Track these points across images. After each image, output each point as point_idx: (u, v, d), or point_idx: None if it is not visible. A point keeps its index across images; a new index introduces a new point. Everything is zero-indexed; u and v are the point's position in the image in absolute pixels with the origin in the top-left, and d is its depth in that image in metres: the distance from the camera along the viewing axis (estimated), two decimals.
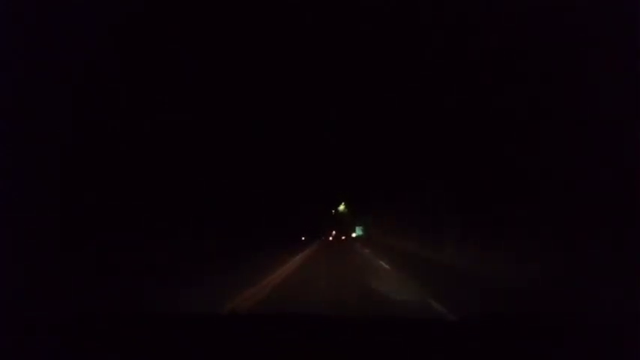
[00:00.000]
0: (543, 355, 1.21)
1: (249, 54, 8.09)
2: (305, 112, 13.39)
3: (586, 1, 4.12)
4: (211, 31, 6.88)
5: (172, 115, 7.44)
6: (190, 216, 9.05)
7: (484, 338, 1.34)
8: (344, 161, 23.38)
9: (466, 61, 6.88)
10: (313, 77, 10.25)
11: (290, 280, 7.88)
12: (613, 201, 4.04)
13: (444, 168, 10.90)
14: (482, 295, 5.33)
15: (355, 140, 17.65)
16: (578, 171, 4.70)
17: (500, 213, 7.28)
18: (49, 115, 4.67)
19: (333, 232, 44.55)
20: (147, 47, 6.10)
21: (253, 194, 14.09)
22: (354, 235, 43.10)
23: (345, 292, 6.08)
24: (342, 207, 52.56)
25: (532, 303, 4.35)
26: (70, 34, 4.62)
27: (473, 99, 7.35)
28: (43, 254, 4.28)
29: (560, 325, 1.46)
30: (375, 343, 1.32)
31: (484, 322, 1.59)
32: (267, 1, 6.63)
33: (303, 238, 27.43)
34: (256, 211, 15.02)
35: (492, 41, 5.87)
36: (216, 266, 8.68)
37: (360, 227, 41.31)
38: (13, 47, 4.06)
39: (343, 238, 40.33)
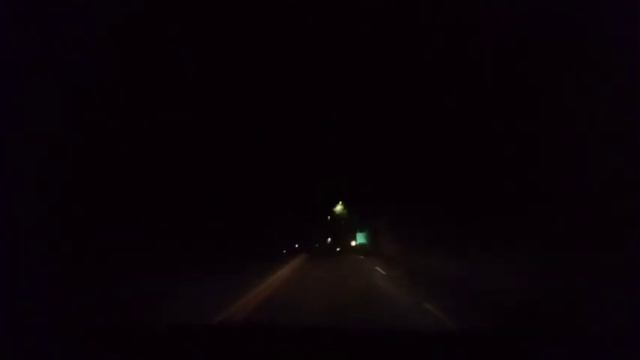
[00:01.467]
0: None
1: (249, 54, 8.09)
2: (305, 112, 13.36)
3: (586, 0, 4.12)
4: (211, 31, 6.87)
5: (172, 115, 7.44)
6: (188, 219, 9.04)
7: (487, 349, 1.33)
8: (347, 158, 20.43)
9: (466, 61, 6.87)
10: (313, 77, 10.24)
11: None
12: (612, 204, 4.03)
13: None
14: None
15: (355, 139, 17.31)
16: (578, 171, 4.69)
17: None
18: (49, 115, 4.67)
19: (328, 240, 34.97)
20: (147, 47, 6.10)
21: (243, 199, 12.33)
22: (353, 243, 32.14)
23: None
24: (339, 207, 37.28)
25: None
26: (70, 34, 4.62)
27: (472, 99, 7.34)
28: (42, 254, 4.28)
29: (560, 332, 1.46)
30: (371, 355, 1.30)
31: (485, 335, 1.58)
32: (267, 1, 6.62)
33: (296, 245, 24.15)
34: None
35: (492, 41, 5.86)
36: None
37: (363, 234, 31.04)
38: (13, 47, 4.06)
39: (338, 249, 30.06)
